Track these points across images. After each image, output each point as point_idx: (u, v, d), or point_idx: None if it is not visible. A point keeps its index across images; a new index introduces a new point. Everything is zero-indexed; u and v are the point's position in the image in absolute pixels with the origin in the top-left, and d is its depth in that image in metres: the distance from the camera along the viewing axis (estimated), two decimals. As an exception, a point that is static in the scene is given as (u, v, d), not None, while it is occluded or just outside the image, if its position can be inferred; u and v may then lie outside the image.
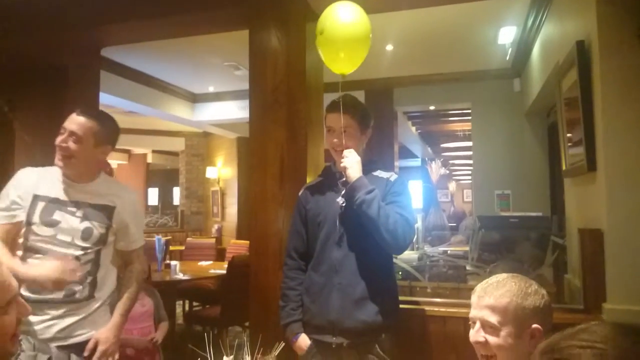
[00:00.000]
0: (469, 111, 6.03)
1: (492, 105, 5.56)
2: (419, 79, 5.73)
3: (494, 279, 1.27)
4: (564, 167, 2.85)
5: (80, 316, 1.87)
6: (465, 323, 2.24)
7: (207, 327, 4.68)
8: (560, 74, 2.73)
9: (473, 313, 1.28)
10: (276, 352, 1.25)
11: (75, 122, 1.88)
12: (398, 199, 1.89)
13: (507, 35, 4.27)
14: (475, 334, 1.26)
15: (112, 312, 1.98)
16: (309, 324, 1.94)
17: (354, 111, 1.93)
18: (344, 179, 1.89)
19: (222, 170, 9.11)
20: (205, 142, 9.57)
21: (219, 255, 6.62)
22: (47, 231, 1.84)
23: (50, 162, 2.15)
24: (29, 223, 1.84)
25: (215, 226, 9.01)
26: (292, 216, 2.12)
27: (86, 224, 1.90)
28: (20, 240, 1.85)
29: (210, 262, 5.94)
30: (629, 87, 2.06)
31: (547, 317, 1.22)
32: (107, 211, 1.97)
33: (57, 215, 1.87)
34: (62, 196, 1.90)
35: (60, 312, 1.83)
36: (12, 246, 1.84)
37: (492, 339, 1.22)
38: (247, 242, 5.64)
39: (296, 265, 2.04)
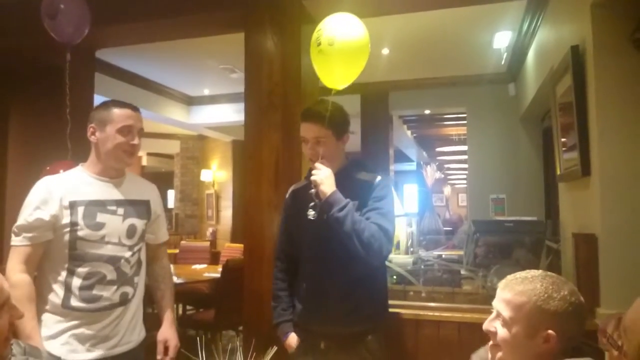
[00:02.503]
0: (464, 115, 6.05)
1: (487, 109, 5.58)
2: (415, 83, 5.75)
3: (523, 273, 1.22)
4: (558, 172, 2.85)
5: (128, 319, 1.85)
6: (459, 328, 2.25)
7: (201, 331, 4.66)
8: (555, 78, 2.74)
9: (494, 302, 1.25)
10: (269, 356, 1.25)
11: (139, 118, 1.88)
12: (379, 205, 1.85)
13: (502, 40, 4.29)
14: (488, 322, 1.25)
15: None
16: (298, 327, 1.95)
17: (327, 120, 1.83)
18: (314, 189, 1.83)
19: (217, 174, 9.09)
20: (201, 145, 9.54)
21: (213, 258, 6.60)
22: (94, 235, 1.77)
23: (44, 163, 2.13)
24: (73, 230, 1.74)
25: (210, 229, 8.98)
26: (280, 219, 2.11)
27: (129, 221, 1.86)
28: (66, 251, 1.74)
29: (205, 265, 5.92)
30: (623, 91, 2.07)
31: (569, 324, 1.15)
32: (145, 206, 1.94)
33: (100, 218, 1.79)
34: (99, 196, 1.82)
35: (112, 317, 1.79)
36: (31, 269, 1.74)
37: (502, 332, 1.20)
38: (242, 245, 5.62)
39: (285, 267, 2.04)
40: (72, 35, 2.59)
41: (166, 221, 2.12)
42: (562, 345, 1.15)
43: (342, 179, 1.86)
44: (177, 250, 7.05)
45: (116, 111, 1.82)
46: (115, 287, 1.80)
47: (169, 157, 10.31)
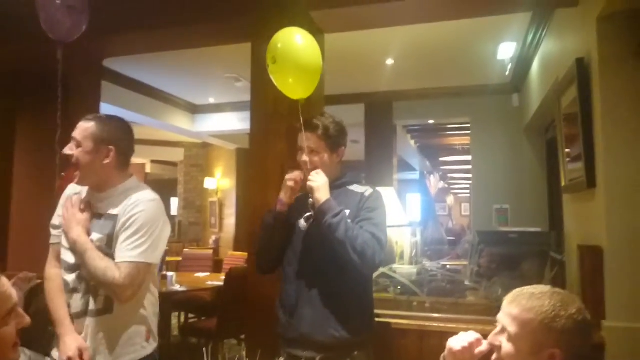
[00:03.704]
0: (468, 125, 6.05)
1: (491, 120, 5.59)
2: (419, 93, 5.76)
3: (531, 289, 1.22)
4: (563, 183, 2.85)
5: (100, 336, 1.72)
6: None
7: (203, 340, 4.65)
8: (560, 90, 2.75)
9: (499, 315, 1.26)
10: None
11: (80, 127, 1.78)
12: (371, 215, 1.87)
13: (506, 50, 4.31)
14: (493, 336, 1.25)
15: (149, 334, 1.84)
16: (282, 337, 1.94)
17: (323, 132, 1.89)
18: (311, 199, 1.86)
19: (221, 181, 9.10)
20: (205, 152, 9.57)
21: (216, 266, 6.59)
22: (65, 242, 1.78)
23: (50, 169, 2.13)
24: (59, 235, 1.82)
25: (213, 237, 8.98)
26: None
27: (92, 235, 1.76)
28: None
29: (207, 273, 5.91)
30: (628, 104, 2.07)
31: (575, 342, 1.16)
32: (113, 221, 1.77)
33: None
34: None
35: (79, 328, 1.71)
36: None
37: (507, 346, 1.20)
38: (245, 253, 5.61)
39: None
40: (66, 33, 2.51)
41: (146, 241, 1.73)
42: None
43: (335, 190, 1.89)
44: (179, 258, 7.05)
45: None
46: (79, 294, 1.73)
47: (173, 164, 10.34)
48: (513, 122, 5.35)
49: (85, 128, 1.76)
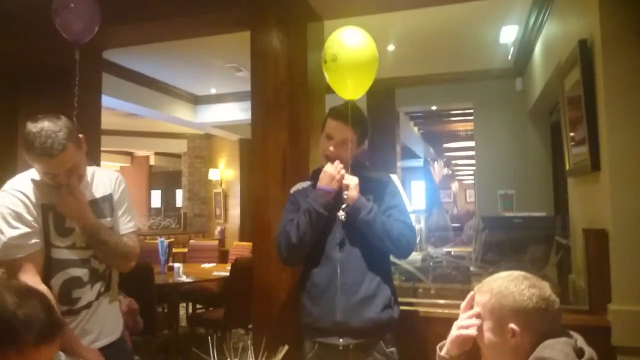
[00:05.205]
0: (471, 111, 6.02)
1: (494, 104, 5.56)
2: (421, 79, 5.72)
3: (494, 275, 1.30)
4: (567, 167, 2.83)
5: (102, 315, 1.81)
6: (469, 324, 2.24)
7: (210, 330, 4.68)
8: (563, 73, 2.72)
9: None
10: (280, 355, 1.25)
11: (54, 162, 1.63)
12: (396, 202, 1.98)
13: (508, 34, 4.26)
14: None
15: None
16: (313, 328, 1.93)
17: (357, 124, 1.94)
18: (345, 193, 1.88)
19: (225, 172, 9.11)
20: (208, 144, 9.57)
21: (222, 257, 6.62)
22: (65, 241, 1.74)
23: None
24: (47, 236, 1.71)
25: (218, 228, 9.01)
26: (287, 210, 2.07)
27: (103, 221, 1.81)
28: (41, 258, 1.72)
29: (213, 264, 5.95)
30: (632, 85, 2.04)
31: (531, 318, 1.19)
32: (108, 201, 1.85)
33: (68, 223, 1.75)
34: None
35: (80, 316, 1.75)
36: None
37: (480, 333, 1.28)
38: (250, 244, 5.63)
39: None
40: (81, 34, 2.55)
41: (132, 212, 1.93)
42: (535, 340, 1.18)
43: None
44: (185, 249, 7.09)
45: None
46: (92, 284, 1.78)
47: (177, 156, 10.35)
48: (516, 107, 5.31)
49: (65, 148, 1.63)
